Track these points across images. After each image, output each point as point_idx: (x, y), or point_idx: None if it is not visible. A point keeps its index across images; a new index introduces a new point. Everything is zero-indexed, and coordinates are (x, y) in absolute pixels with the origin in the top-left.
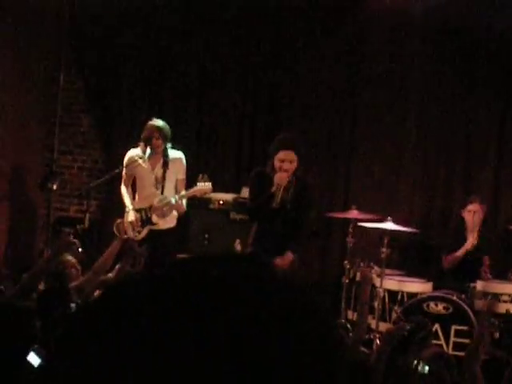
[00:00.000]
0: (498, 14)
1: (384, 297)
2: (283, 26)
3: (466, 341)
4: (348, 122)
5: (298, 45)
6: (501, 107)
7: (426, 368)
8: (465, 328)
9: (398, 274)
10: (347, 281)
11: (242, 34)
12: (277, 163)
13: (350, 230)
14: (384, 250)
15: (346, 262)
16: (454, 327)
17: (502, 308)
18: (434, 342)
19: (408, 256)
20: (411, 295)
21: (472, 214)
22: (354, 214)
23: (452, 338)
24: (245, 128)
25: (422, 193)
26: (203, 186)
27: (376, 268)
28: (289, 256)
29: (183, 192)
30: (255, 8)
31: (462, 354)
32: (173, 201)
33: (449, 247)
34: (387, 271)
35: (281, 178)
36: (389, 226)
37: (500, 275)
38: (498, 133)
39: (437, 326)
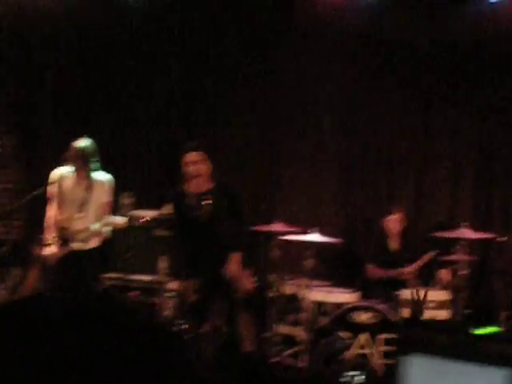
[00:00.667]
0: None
1: (312, 308)
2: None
3: (395, 349)
4: (271, 135)
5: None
6: (424, 120)
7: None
8: (392, 336)
9: (325, 285)
10: (274, 294)
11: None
12: (184, 169)
13: (275, 242)
14: (309, 261)
15: (271, 275)
16: (381, 336)
17: (429, 315)
18: (363, 351)
19: (334, 267)
20: (338, 306)
21: (394, 222)
22: (278, 226)
23: (380, 347)
24: (166, 145)
25: (345, 203)
26: (120, 220)
27: (302, 279)
28: (235, 256)
29: (105, 219)
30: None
31: (391, 362)
32: (93, 228)
33: (372, 256)
34: (314, 283)
35: (191, 186)
36: (313, 237)
37: (424, 283)
38: (420, 143)
39: (365, 336)
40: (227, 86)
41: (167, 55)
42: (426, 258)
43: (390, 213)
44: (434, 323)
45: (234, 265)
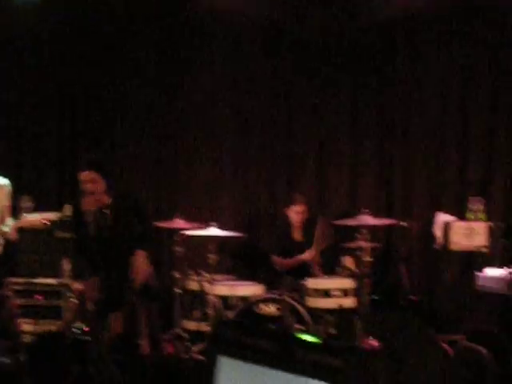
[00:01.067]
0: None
1: (217, 303)
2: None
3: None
4: (170, 130)
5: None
6: (321, 110)
7: None
8: (297, 326)
9: (230, 279)
10: (179, 291)
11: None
12: (80, 186)
13: (177, 238)
14: (212, 256)
15: (175, 271)
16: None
17: (335, 303)
18: None
19: (238, 260)
20: (243, 299)
21: (297, 213)
22: (179, 222)
23: None
24: (66, 150)
25: (246, 196)
26: (32, 217)
27: (205, 275)
28: (140, 254)
29: (6, 222)
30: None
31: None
32: None
33: (277, 247)
34: (218, 277)
35: (87, 203)
36: (214, 232)
37: (329, 271)
38: (318, 132)
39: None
40: (126, 84)
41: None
42: (323, 241)
43: (291, 204)
44: (249, 325)
45: (138, 262)
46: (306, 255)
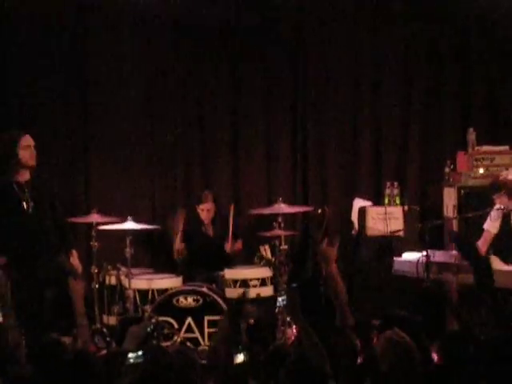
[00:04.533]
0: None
1: (135, 297)
2: None
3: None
4: (80, 122)
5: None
6: (230, 102)
7: None
8: (217, 318)
9: (147, 273)
10: (97, 285)
11: None
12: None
13: (93, 233)
14: (128, 250)
15: (93, 266)
16: (206, 318)
17: (253, 293)
18: (190, 335)
19: (155, 254)
20: (162, 292)
21: (205, 212)
22: (95, 217)
23: (206, 329)
24: None
25: (162, 189)
26: None
27: (123, 269)
28: (75, 253)
29: None
30: None
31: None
32: None
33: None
34: (135, 271)
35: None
36: (130, 225)
37: (247, 261)
38: (230, 125)
39: (189, 320)
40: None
41: None
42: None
43: (201, 201)
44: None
45: (74, 259)
46: (227, 248)
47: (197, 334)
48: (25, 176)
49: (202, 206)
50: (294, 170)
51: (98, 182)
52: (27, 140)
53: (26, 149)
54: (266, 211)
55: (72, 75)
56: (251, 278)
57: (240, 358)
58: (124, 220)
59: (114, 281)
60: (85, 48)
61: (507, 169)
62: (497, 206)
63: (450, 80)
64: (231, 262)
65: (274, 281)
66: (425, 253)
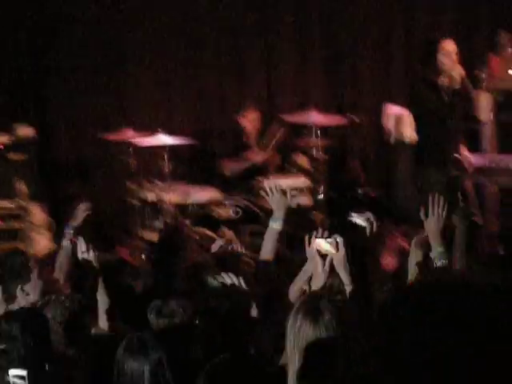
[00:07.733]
0: None
1: (173, 211)
2: None
3: (260, 240)
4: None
5: None
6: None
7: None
8: (257, 227)
9: (184, 187)
10: (136, 202)
11: None
12: None
13: (128, 149)
14: (165, 165)
15: (129, 182)
16: (246, 228)
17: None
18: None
19: (192, 167)
20: (199, 205)
21: (249, 121)
22: (129, 133)
23: (247, 239)
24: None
25: (196, 103)
26: None
27: (160, 183)
28: None
29: None
30: None
31: (257, 254)
32: None
33: (229, 153)
34: (172, 186)
35: None
36: (166, 140)
37: (281, 170)
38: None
39: (230, 231)
40: None
41: None
42: (273, 137)
43: (245, 110)
44: None
45: None
46: (258, 157)
47: (237, 244)
48: None
49: (246, 115)
50: (328, 79)
51: (132, 98)
52: None
53: None
54: (301, 119)
55: None
56: (289, 187)
57: None
58: (157, 134)
59: (150, 196)
60: None
61: None
62: None
63: None
64: (264, 171)
65: (311, 190)
66: None
